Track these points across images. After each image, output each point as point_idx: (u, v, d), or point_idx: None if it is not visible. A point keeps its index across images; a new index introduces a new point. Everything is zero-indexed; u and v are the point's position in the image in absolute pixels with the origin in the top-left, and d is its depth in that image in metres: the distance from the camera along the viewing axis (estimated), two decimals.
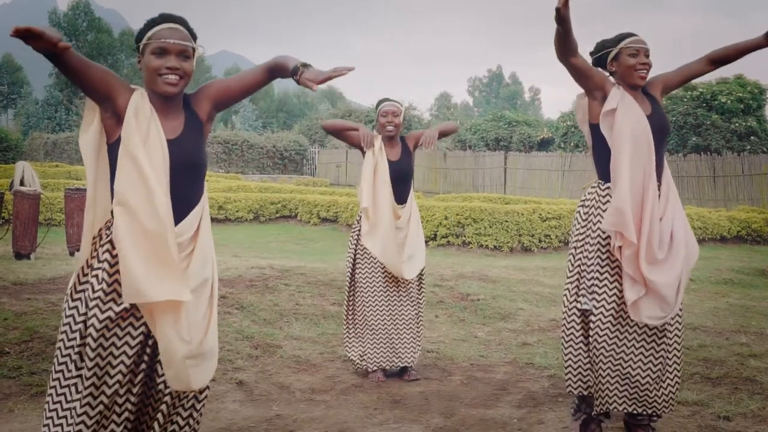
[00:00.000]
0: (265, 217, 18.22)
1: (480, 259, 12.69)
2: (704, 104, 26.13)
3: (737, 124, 25.81)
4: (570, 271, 4.10)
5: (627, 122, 3.80)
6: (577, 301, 4.00)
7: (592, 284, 3.93)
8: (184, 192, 2.78)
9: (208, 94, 2.91)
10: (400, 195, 5.43)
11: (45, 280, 7.79)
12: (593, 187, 4.06)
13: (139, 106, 2.70)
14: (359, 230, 5.46)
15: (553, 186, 28.74)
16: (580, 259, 4.03)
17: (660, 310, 3.82)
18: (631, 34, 3.94)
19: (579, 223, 4.06)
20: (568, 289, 4.09)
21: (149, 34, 2.76)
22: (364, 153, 5.45)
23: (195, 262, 2.79)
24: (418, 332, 5.52)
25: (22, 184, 10.89)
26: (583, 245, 4.02)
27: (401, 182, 5.43)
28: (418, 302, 5.56)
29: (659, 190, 3.88)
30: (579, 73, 3.83)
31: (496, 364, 5.86)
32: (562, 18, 3.47)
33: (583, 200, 4.08)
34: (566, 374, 4.06)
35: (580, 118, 4.07)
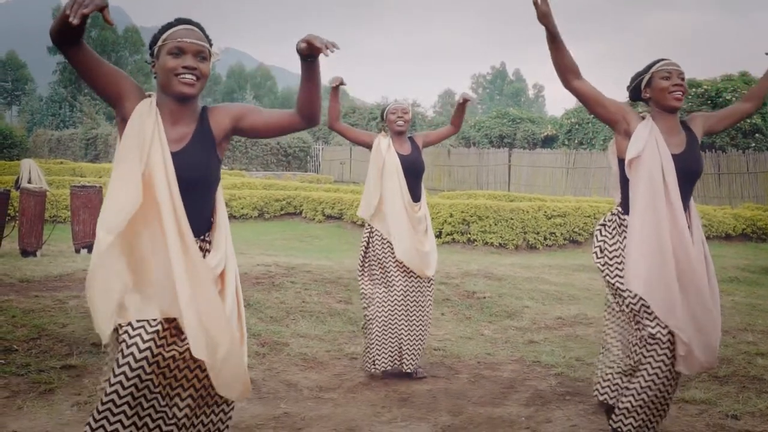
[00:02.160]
0: (269, 214, 18.22)
1: (485, 256, 12.69)
2: (709, 101, 26.07)
3: (742, 122, 25.73)
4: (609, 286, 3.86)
5: (646, 170, 3.61)
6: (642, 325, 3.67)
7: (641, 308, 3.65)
8: (192, 208, 2.67)
9: (231, 111, 2.81)
10: (414, 192, 5.38)
11: (52, 277, 7.80)
12: (613, 213, 3.88)
13: (145, 112, 2.62)
14: (369, 235, 5.43)
15: (557, 183, 28.71)
16: (617, 277, 3.77)
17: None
18: (662, 59, 3.81)
19: (606, 246, 3.86)
20: (611, 312, 3.90)
21: (164, 36, 2.69)
22: (370, 150, 5.46)
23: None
24: (425, 335, 5.48)
25: (29, 182, 10.91)
26: (615, 268, 3.80)
27: (414, 176, 5.38)
28: (430, 303, 5.52)
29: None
30: (588, 100, 3.72)
31: (502, 362, 5.86)
32: (544, 18, 3.48)
33: (603, 224, 3.92)
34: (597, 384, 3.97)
35: (610, 150, 3.94)
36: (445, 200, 15.66)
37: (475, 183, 31.48)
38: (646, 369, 3.60)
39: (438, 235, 14.03)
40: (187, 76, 2.63)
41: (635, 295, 3.60)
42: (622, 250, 3.73)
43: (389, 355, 5.32)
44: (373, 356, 5.32)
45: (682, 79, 3.74)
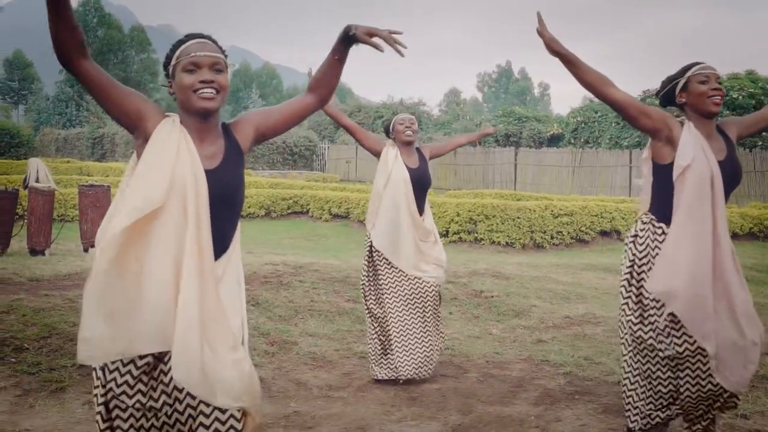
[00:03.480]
0: (276, 213, 18.25)
1: (492, 255, 12.69)
2: None
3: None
4: (630, 300, 3.74)
5: (696, 177, 3.48)
6: (659, 344, 3.62)
7: (667, 327, 3.59)
8: (217, 228, 2.55)
9: (252, 121, 2.74)
10: (420, 204, 5.36)
11: (61, 276, 7.84)
12: (645, 222, 3.73)
13: (168, 130, 2.51)
14: (371, 245, 5.41)
15: (563, 182, 28.68)
16: (642, 293, 3.68)
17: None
18: (698, 62, 3.67)
19: (636, 258, 3.72)
20: (630, 320, 3.74)
21: (177, 53, 2.59)
22: (378, 158, 5.44)
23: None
24: (439, 339, 5.45)
25: (36, 181, 10.96)
26: (641, 282, 3.69)
27: (421, 190, 5.37)
28: (433, 311, 5.44)
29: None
30: (629, 110, 3.55)
31: (511, 362, 5.87)
32: (553, 43, 3.45)
33: (635, 235, 3.75)
34: (626, 409, 3.85)
35: (644, 156, 3.77)
36: (451, 199, 15.67)
37: (481, 182, 31.46)
38: (687, 387, 3.57)
39: (445, 234, 14.03)
40: (206, 90, 2.54)
41: (660, 305, 3.54)
42: (653, 257, 3.61)
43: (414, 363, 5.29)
44: (395, 364, 5.27)
45: (720, 83, 3.62)
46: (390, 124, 5.51)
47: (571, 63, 3.49)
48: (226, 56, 2.66)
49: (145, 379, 2.49)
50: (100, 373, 2.55)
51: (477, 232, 14.19)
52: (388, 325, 5.30)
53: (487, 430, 4.34)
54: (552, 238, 14.55)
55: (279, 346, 5.95)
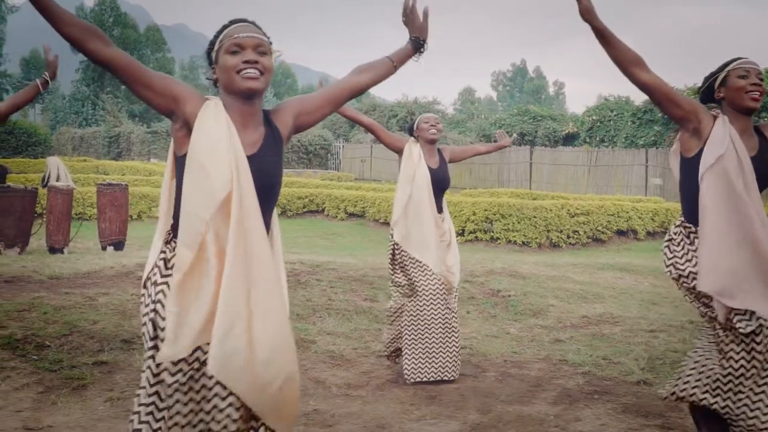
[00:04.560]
0: (292, 212, 18.30)
1: (509, 254, 12.68)
2: None
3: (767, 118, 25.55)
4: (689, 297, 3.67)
5: (725, 172, 3.38)
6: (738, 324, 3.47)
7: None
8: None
9: (293, 107, 2.72)
10: (438, 204, 5.39)
11: (80, 274, 7.89)
12: (678, 225, 3.66)
13: (213, 115, 2.46)
14: (394, 244, 5.41)
15: (579, 181, 28.59)
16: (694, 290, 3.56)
17: None
18: (739, 57, 3.55)
19: (675, 260, 3.63)
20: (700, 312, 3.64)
21: (220, 37, 2.57)
22: (400, 156, 5.46)
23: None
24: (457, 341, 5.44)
25: (56, 179, 11.05)
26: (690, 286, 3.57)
27: (440, 190, 5.40)
28: (455, 310, 5.46)
29: None
30: (657, 95, 3.43)
31: (529, 361, 5.86)
32: (587, 14, 3.28)
33: (669, 239, 3.68)
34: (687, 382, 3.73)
35: (673, 149, 3.70)
36: (467, 198, 15.66)
37: (496, 181, 31.42)
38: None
39: (461, 233, 14.04)
40: (249, 70, 2.49)
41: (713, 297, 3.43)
42: (691, 264, 3.53)
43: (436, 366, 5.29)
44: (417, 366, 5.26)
45: (761, 79, 3.50)
46: (414, 122, 5.54)
47: (603, 37, 3.33)
48: (270, 42, 2.62)
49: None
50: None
51: (493, 231, 14.18)
52: (416, 323, 5.30)
53: (507, 430, 4.34)
54: (568, 237, 14.53)
55: (297, 344, 5.95)
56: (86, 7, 71.43)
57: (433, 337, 5.26)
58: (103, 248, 11.27)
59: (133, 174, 25.09)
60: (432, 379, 5.24)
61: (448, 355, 5.29)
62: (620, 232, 15.74)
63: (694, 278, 3.51)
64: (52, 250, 10.76)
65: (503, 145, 6.13)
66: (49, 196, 11.09)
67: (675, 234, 3.65)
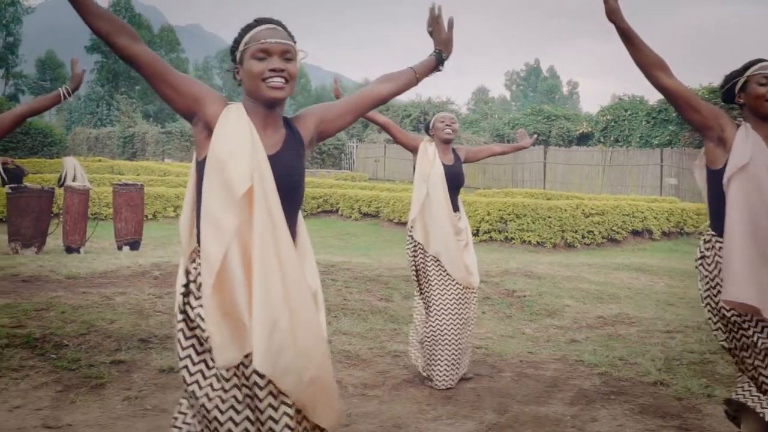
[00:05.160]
0: (306, 212, 18.33)
1: (523, 255, 12.66)
2: None
3: None
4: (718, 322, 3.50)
5: (751, 181, 3.23)
6: None
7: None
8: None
9: (313, 112, 2.68)
10: (453, 202, 5.37)
11: (97, 274, 7.94)
12: (707, 241, 3.48)
13: (234, 118, 2.43)
14: (414, 244, 5.41)
15: (593, 181, 28.50)
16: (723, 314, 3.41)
17: None
18: (760, 60, 3.39)
19: (709, 279, 3.47)
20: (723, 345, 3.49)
21: (246, 38, 2.50)
22: (415, 155, 5.45)
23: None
24: (469, 342, 5.43)
25: (73, 180, 11.13)
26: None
27: (455, 188, 5.38)
28: (474, 312, 5.46)
29: None
30: (679, 101, 3.30)
31: (545, 361, 5.85)
32: (613, 14, 3.20)
33: (702, 257, 3.50)
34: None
35: (697, 162, 3.54)
36: (482, 198, 15.64)
37: (510, 181, 31.35)
38: None
39: (475, 234, 14.02)
40: (275, 79, 2.44)
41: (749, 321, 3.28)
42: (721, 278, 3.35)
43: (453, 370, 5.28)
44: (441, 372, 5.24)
45: None
46: (430, 121, 5.54)
47: (627, 38, 3.24)
48: (295, 43, 2.56)
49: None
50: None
51: (508, 231, 14.16)
52: (430, 325, 5.29)
53: (524, 430, 4.34)
54: (583, 237, 14.48)
55: None
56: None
57: (449, 348, 5.25)
58: (119, 248, 11.33)
59: (148, 174, 25.21)
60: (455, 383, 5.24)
61: (464, 355, 5.31)
62: (635, 233, 15.68)
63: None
64: (69, 249, 10.83)
65: (522, 146, 6.02)
66: (66, 196, 11.16)
67: (707, 250, 3.47)
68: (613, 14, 3.19)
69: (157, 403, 4.59)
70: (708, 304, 3.47)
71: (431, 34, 2.95)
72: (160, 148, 43.06)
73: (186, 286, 2.49)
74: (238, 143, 2.38)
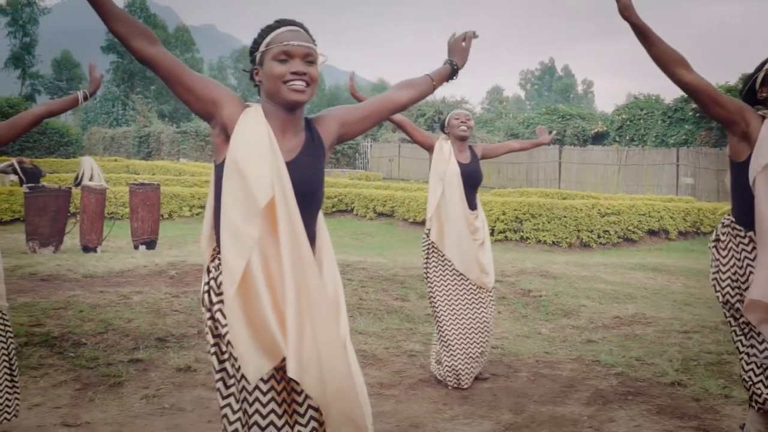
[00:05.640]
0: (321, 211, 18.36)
1: (539, 254, 12.63)
2: None
3: None
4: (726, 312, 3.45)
5: None
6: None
7: None
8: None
9: (335, 115, 2.64)
10: (471, 201, 5.34)
11: (114, 273, 7.99)
12: (725, 225, 3.42)
13: (252, 122, 2.38)
14: (429, 243, 5.39)
15: (609, 181, 28.40)
16: (728, 300, 3.38)
17: None
18: None
19: (720, 264, 3.43)
20: (740, 340, 3.41)
21: (267, 40, 2.45)
22: (430, 153, 5.43)
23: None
24: (487, 345, 5.39)
25: (90, 179, 11.21)
26: (735, 288, 3.37)
27: (471, 186, 5.35)
28: (491, 313, 5.43)
29: None
30: (702, 96, 3.22)
31: (561, 361, 5.83)
32: (626, 11, 3.11)
33: (716, 239, 3.45)
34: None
35: (726, 152, 3.44)
36: (497, 198, 15.62)
37: (525, 180, 31.29)
38: None
39: (491, 233, 13.96)
40: (296, 82, 2.39)
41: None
42: (739, 267, 3.31)
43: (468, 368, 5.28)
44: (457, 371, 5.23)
45: None
46: (446, 119, 5.52)
47: (643, 35, 3.15)
48: (316, 45, 2.52)
49: None
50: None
51: (523, 231, 14.13)
52: (444, 327, 5.29)
53: (540, 430, 4.33)
54: (599, 237, 14.43)
55: None
56: None
57: (460, 348, 5.24)
58: (136, 247, 11.39)
59: (163, 174, 25.32)
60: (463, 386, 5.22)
61: (479, 358, 5.28)
62: (651, 232, 15.61)
63: (737, 283, 3.34)
64: (86, 249, 10.90)
65: (542, 142, 5.97)
66: (83, 196, 11.23)
67: (723, 234, 3.42)
68: (627, 11, 3.11)
69: (175, 401, 4.61)
70: (714, 285, 3.44)
71: (449, 45, 2.97)
72: (176, 147, 43.26)
73: (207, 283, 2.48)
74: (257, 149, 2.34)
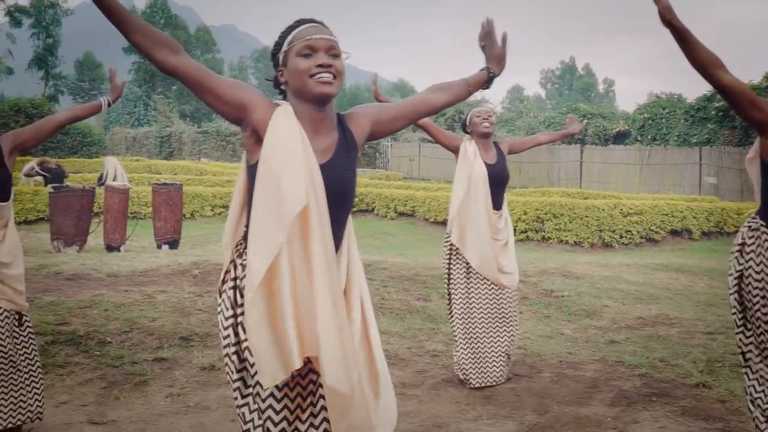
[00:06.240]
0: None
1: (561, 254, 12.58)
2: None
3: None
4: (743, 325, 3.44)
5: None
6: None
7: None
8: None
9: (368, 112, 2.60)
10: (497, 201, 5.29)
11: (137, 272, 8.04)
12: (753, 229, 3.37)
13: (284, 122, 2.33)
14: (450, 243, 5.36)
15: (630, 180, 28.22)
16: (760, 318, 3.32)
17: None
18: None
19: (743, 269, 3.38)
20: (750, 349, 3.41)
21: (290, 38, 2.43)
22: (456, 155, 5.41)
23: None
24: (511, 346, 5.38)
25: (114, 179, 11.31)
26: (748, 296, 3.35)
27: (498, 186, 5.29)
28: (514, 314, 5.40)
29: None
30: (739, 99, 3.17)
31: (584, 362, 5.81)
32: (668, 13, 3.06)
33: (742, 243, 3.40)
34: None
35: (749, 156, 3.43)
36: (518, 198, 15.57)
37: (546, 180, 31.15)
38: None
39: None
40: (323, 75, 2.36)
41: None
42: (766, 268, 3.23)
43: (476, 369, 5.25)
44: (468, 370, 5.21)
45: None
46: (467, 118, 5.48)
47: (683, 39, 3.10)
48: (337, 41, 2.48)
49: None
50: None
51: (544, 231, 14.08)
52: (472, 330, 5.27)
53: (564, 431, 4.32)
54: (621, 237, 14.36)
55: None
56: (138, 9, 72.75)
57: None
58: (158, 246, 11.47)
59: (185, 173, 25.46)
60: (479, 385, 5.20)
61: (485, 361, 5.25)
62: (674, 232, 15.51)
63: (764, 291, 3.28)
64: (110, 248, 10.99)
65: (572, 132, 5.89)
66: (106, 196, 11.33)
67: (750, 237, 3.35)
68: (669, 13, 3.05)
69: (199, 400, 4.65)
70: (734, 296, 3.40)
71: (483, 48, 2.91)
72: (197, 147, 43.50)
73: (234, 280, 2.46)
74: (291, 154, 2.29)
